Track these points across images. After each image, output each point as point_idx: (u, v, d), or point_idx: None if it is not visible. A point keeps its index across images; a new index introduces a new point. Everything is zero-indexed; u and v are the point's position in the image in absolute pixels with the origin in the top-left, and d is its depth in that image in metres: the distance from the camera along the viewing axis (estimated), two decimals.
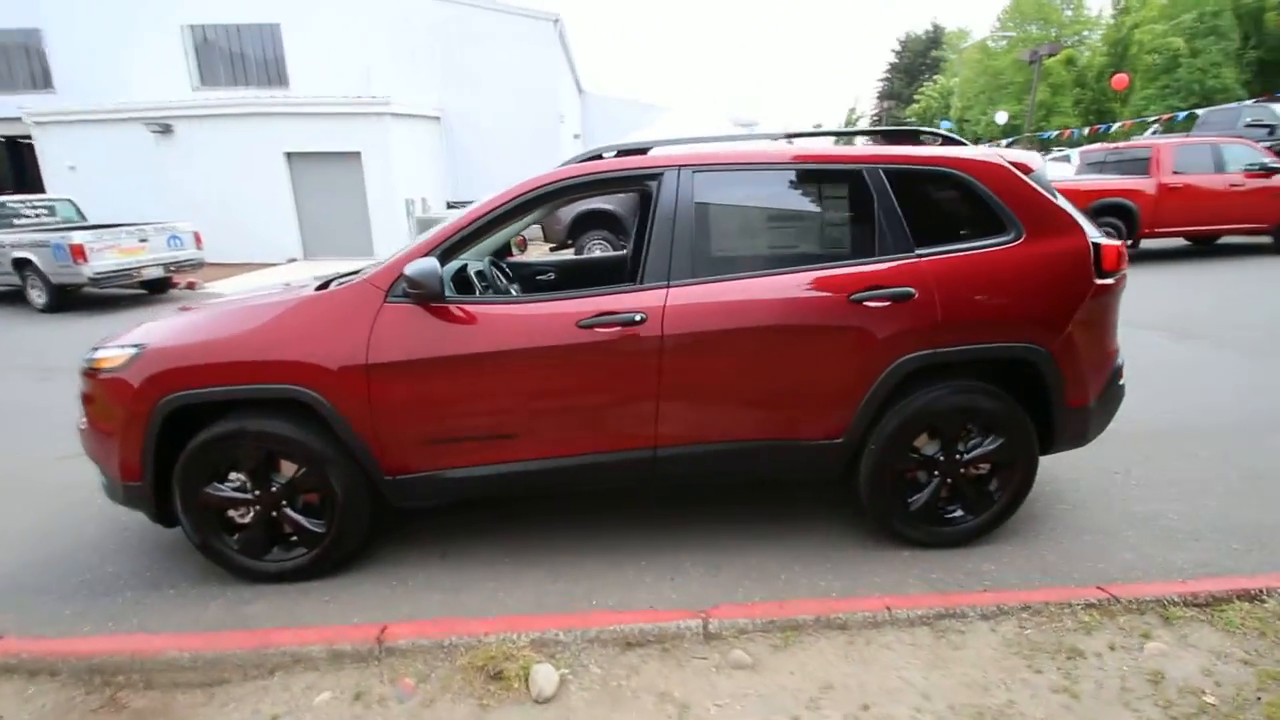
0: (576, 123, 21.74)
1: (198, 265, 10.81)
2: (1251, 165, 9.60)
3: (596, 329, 2.32)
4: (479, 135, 17.10)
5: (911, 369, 2.42)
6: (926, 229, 2.48)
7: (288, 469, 2.46)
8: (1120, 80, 20.15)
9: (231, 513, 2.50)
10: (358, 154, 14.19)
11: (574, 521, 2.93)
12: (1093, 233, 2.57)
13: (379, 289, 2.36)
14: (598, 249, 10.07)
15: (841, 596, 2.31)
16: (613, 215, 10.03)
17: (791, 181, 2.53)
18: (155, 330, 2.50)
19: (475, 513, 2.99)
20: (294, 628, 2.14)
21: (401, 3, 16.31)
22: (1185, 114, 16.91)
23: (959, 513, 2.64)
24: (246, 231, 14.31)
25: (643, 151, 2.56)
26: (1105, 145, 12.45)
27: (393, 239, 14.13)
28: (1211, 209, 9.57)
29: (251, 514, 2.48)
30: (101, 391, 2.44)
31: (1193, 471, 3.25)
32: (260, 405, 2.39)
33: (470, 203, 2.66)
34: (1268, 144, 10.91)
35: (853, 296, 2.37)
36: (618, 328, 2.33)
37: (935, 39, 48.97)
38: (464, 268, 2.95)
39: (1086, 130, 21.33)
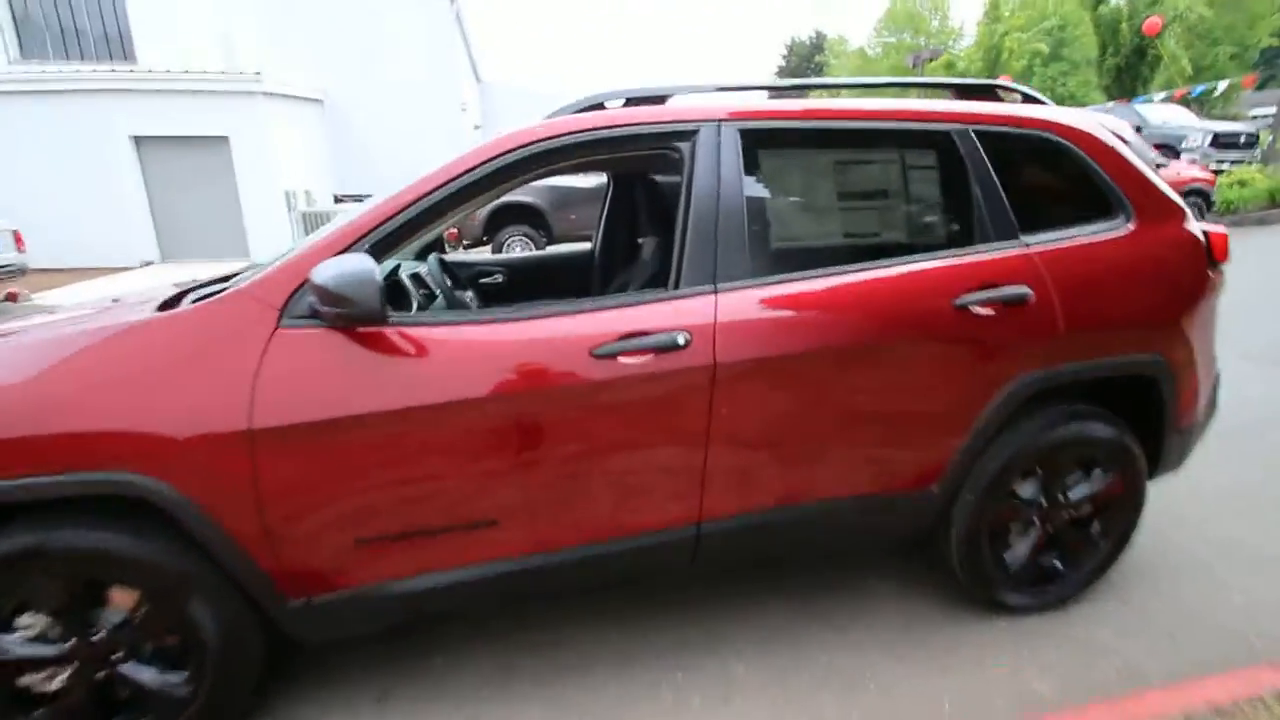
0: (477, 113, 20.35)
1: (19, 272, 8.85)
2: None
3: (621, 358, 1.56)
4: (370, 123, 15.42)
5: (1028, 394, 1.84)
6: (1024, 211, 1.92)
7: (122, 601, 1.53)
8: None
9: (26, 679, 1.52)
10: (224, 139, 12.29)
11: (567, 615, 2.14)
12: (1194, 218, 2.13)
13: (269, 306, 1.47)
14: (518, 246, 9.12)
15: (976, 713, 1.70)
16: (533, 209, 9.12)
17: (865, 145, 1.87)
18: None
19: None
20: None
21: None
22: None
23: (1059, 566, 2.12)
24: (87, 230, 12.08)
25: (660, 101, 1.82)
26: None
27: (271, 237, 12.38)
28: None
29: (63, 677, 1.52)
30: None
31: (1231, 481, 2.94)
32: (65, 506, 1.43)
33: (366, 196, 1.81)
34: None
35: (958, 301, 1.76)
36: (650, 355, 1.58)
37: (819, 45, 51.04)
38: (396, 270, 2.09)
39: None
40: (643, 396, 1.59)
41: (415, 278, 2.24)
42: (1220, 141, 14.17)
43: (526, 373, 1.52)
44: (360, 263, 1.36)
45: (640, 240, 3.04)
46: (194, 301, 1.61)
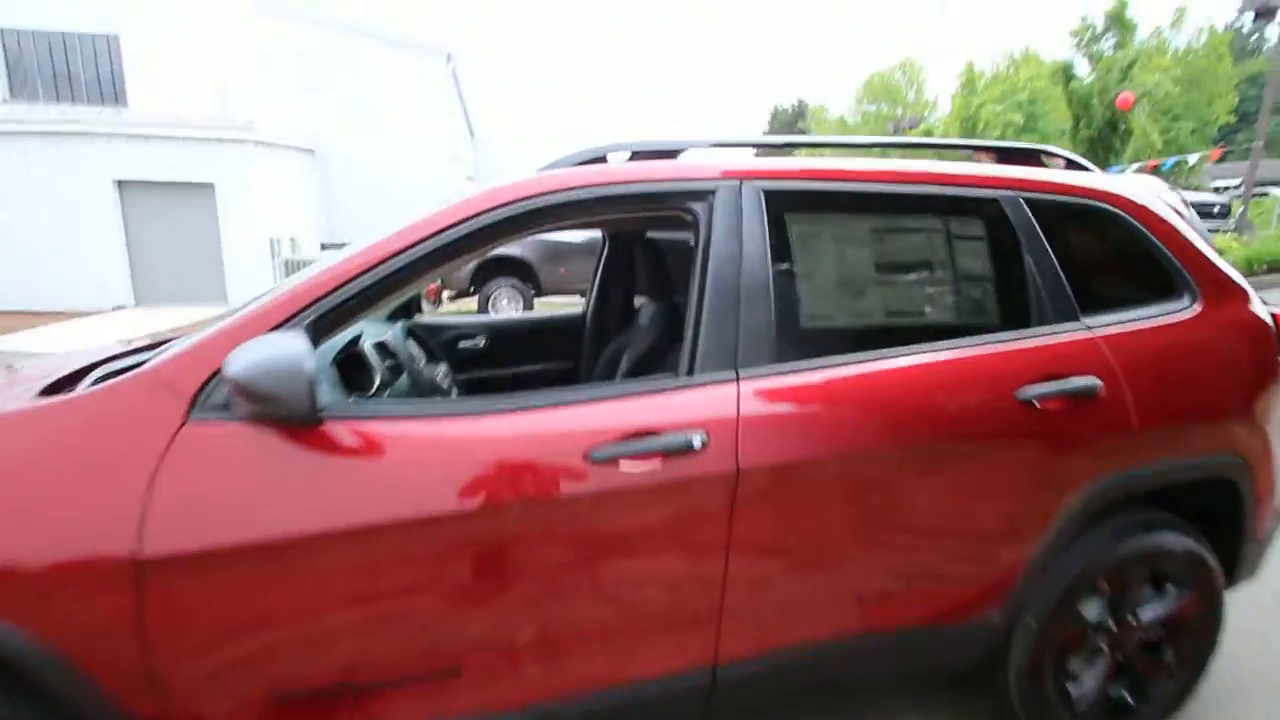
0: (470, 167, 20.54)
1: None
2: None
3: (622, 463, 1.26)
4: (361, 173, 15.41)
5: (1104, 502, 1.57)
6: (1080, 289, 1.69)
7: None
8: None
9: None
10: (210, 185, 12.12)
11: None
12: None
13: (175, 395, 1.16)
14: (504, 299, 8.89)
15: None
16: (521, 262, 8.93)
17: (906, 211, 1.64)
18: None
19: None
20: None
21: (270, 25, 14.58)
22: None
23: (1130, 700, 1.79)
24: (61, 273, 11.75)
25: (671, 155, 1.58)
26: None
27: (252, 283, 12.08)
28: None
29: None
30: None
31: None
32: None
33: (345, 244, 1.54)
34: None
35: (1022, 394, 1.50)
36: (657, 459, 1.28)
37: (801, 112, 53.16)
38: (357, 339, 1.79)
39: None
40: (648, 512, 1.28)
41: (381, 347, 1.94)
42: (1195, 211, 14.55)
43: (504, 482, 1.21)
44: (289, 348, 1.06)
45: (637, 305, 2.80)
46: (98, 380, 1.29)
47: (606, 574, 1.29)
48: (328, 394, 1.47)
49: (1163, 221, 1.79)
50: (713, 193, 1.46)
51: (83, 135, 11.84)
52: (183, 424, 1.13)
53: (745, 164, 1.51)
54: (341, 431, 1.18)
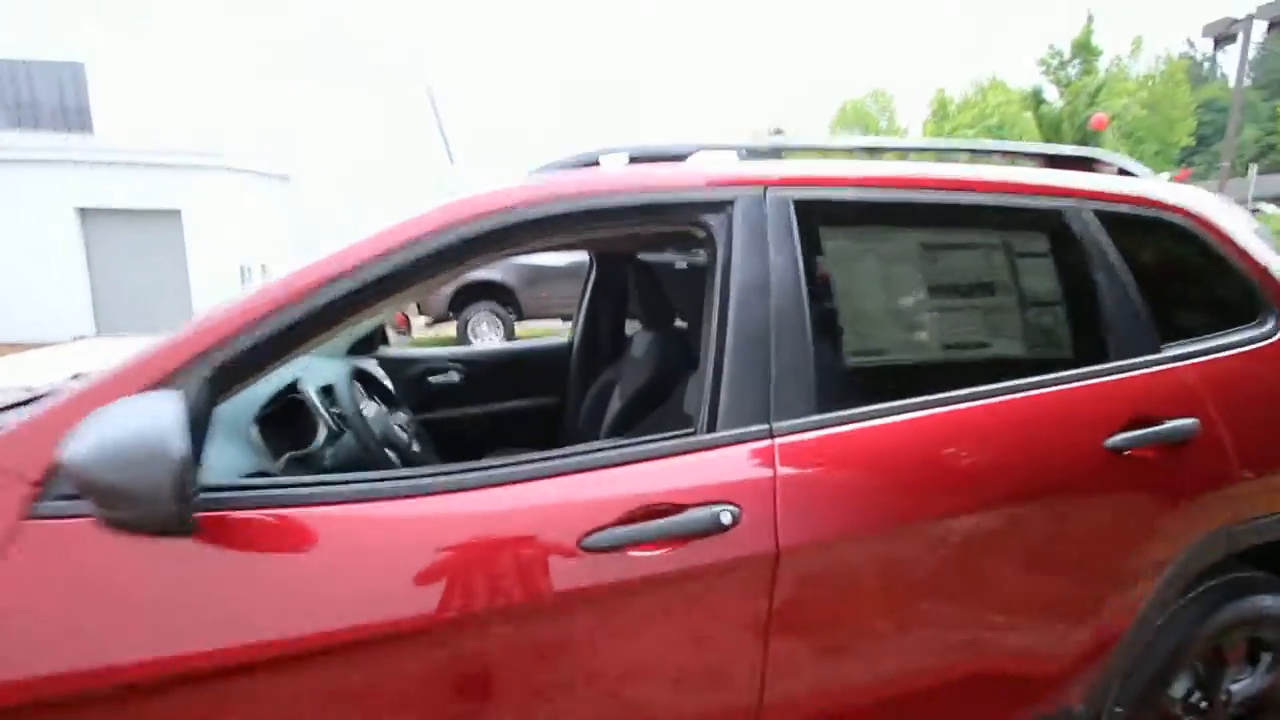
0: (449, 193, 20.29)
1: None
2: None
3: (629, 552, 0.96)
4: (338, 200, 15.06)
5: (1208, 563, 1.31)
6: (1153, 314, 1.45)
7: None
8: None
9: None
10: (176, 212, 11.73)
11: None
12: None
13: (13, 479, 0.84)
14: (484, 324, 8.55)
15: None
16: (502, 286, 8.62)
17: (964, 225, 1.38)
18: None
19: None
20: None
21: (242, 51, 14.31)
22: None
23: None
24: (16, 302, 11.28)
25: (678, 160, 1.30)
26: None
27: None
28: None
29: None
30: None
31: None
32: None
33: None
34: None
35: (1111, 442, 1.23)
36: (672, 545, 0.98)
37: None
38: (293, 387, 1.48)
39: None
40: (661, 613, 0.99)
41: (329, 391, 1.62)
42: None
43: (466, 585, 0.91)
44: (150, 421, 0.74)
45: (629, 333, 2.53)
46: None
47: (606, 696, 0.99)
48: (246, 460, 1.16)
49: (1235, 236, 1.56)
50: (731, 203, 1.19)
51: (42, 162, 11.43)
52: (23, 518, 0.81)
53: (770, 169, 1.24)
54: (238, 523, 0.87)
